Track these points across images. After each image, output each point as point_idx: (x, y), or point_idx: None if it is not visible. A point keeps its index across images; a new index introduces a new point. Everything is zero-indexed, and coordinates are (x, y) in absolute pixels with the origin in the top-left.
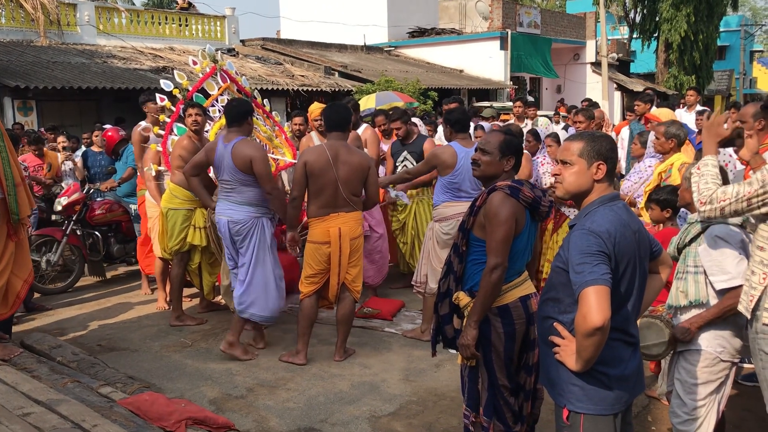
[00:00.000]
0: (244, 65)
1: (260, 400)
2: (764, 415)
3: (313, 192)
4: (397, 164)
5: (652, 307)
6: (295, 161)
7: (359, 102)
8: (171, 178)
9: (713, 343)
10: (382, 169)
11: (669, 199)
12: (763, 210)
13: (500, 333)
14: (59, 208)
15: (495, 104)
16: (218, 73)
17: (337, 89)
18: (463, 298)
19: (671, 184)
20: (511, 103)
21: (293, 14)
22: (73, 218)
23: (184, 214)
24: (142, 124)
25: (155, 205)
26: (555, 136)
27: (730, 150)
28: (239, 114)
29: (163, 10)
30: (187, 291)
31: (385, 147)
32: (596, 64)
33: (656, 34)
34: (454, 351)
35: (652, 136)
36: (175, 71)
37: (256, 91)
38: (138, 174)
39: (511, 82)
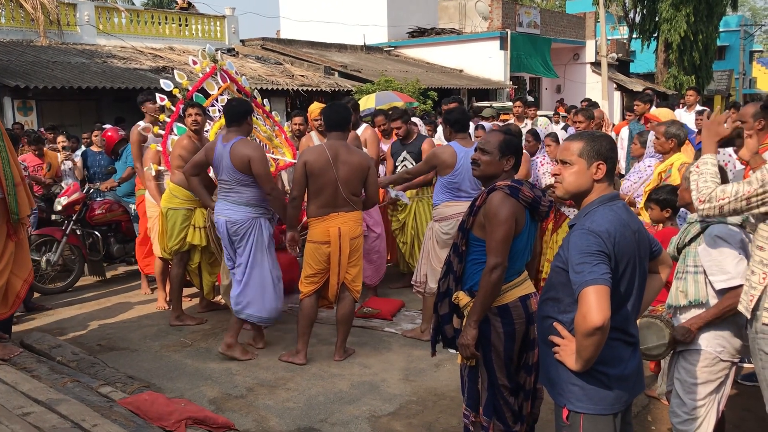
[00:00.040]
0: (244, 65)
1: (260, 400)
2: (764, 414)
3: (313, 192)
4: (396, 164)
5: (652, 306)
6: (295, 161)
7: (359, 102)
8: (171, 178)
9: (713, 343)
10: (381, 169)
11: (669, 199)
12: (762, 209)
13: (500, 333)
14: (59, 207)
15: (495, 104)
16: (218, 73)
17: (336, 89)
18: (462, 297)
19: (671, 184)
20: (510, 103)
21: (293, 14)
22: (73, 218)
23: (183, 213)
24: (141, 124)
25: (155, 205)
26: (554, 136)
27: (729, 150)
28: (238, 114)
29: (162, 10)
30: (186, 291)
31: (385, 147)
32: (596, 64)
33: (656, 34)
34: (453, 351)
35: (651, 136)
36: (175, 71)
37: (255, 90)
38: (136, 174)
39: (511, 82)
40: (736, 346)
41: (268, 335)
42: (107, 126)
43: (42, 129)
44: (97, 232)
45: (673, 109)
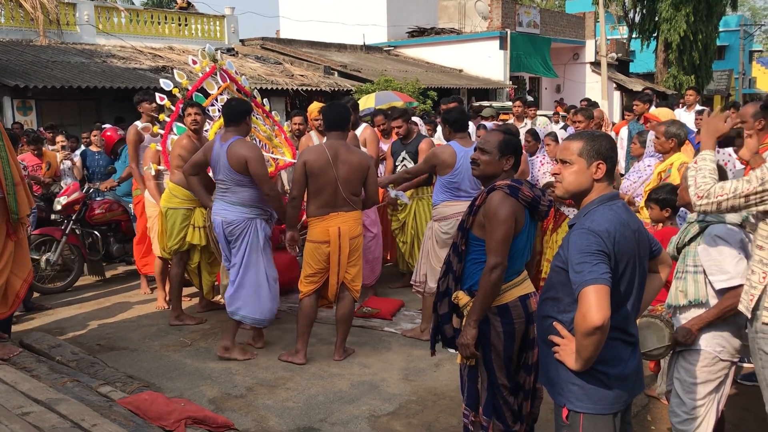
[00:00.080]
0: (244, 65)
1: (260, 400)
2: (763, 414)
3: (313, 191)
4: (396, 164)
5: (652, 306)
6: (295, 161)
7: (358, 102)
8: (170, 178)
9: (712, 343)
10: (381, 169)
11: (668, 199)
12: (761, 207)
13: (500, 332)
14: (59, 207)
15: (494, 104)
16: (218, 73)
17: (336, 89)
18: (462, 297)
19: (671, 184)
20: (510, 103)
21: (293, 14)
22: (73, 218)
23: (183, 213)
24: (139, 124)
25: (154, 205)
26: (553, 135)
27: (729, 150)
28: (237, 114)
29: (162, 9)
30: (186, 290)
31: (385, 147)
32: (595, 64)
33: (655, 34)
34: (453, 350)
35: (651, 136)
36: (174, 71)
37: (255, 90)
38: (132, 175)
39: (511, 82)
40: (736, 345)
41: (268, 335)
42: (107, 126)
43: (41, 129)
44: (96, 232)
45: (673, 109)
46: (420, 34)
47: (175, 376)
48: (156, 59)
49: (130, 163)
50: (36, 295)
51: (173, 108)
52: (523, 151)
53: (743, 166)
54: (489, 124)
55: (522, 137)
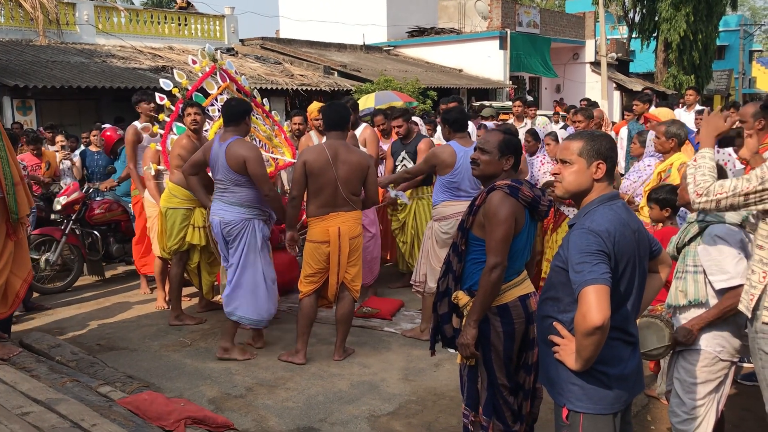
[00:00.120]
0: (244, 65)
1: (259, 400)
2: (763, 414)
3: (313, 191)
4: (396, 163)
5: (652, 306)
6: (294, 161)
7: (358, 101)
8: (170, 178)
9: (712, 343)
10: (381, 169)
11: (668, 199)
12: (760, 207)
13: (499, 332)
14: (58, 207)
15: (494, 104)
16: (218, 73)
17: (336, 89)
18: (462, 297)
19: (671, 183)
20: (510, 103)
21: (292, 14)
22: (72, 217)
23: (183, 213)
24: (138, 124)
25: (154, 205)
26: (554, 135)
27: (729, 150)
28: (236, 113)
29: (162, 9)
30: (186, 290)
31: (384, 146)
32: (595, 64)
33: (655, 34)
34: (453, 350)
35: (651, 136)
36: (174, 70)
37: (255, 90)
38: (130, 175)
39: (511, 82)
40: (736, 345)
41: (267, 335)
42: (106, 125)
43: (41, 128)
44: (96, 232)
45: (673, 109)
46: (420, 33)
47: (175, 376)
48: (156, 59)
49: (128, 164)
50: (36, 295)
51: (173, 108)
52: (522, 151)
53: (743, 166)
54: (490, 124)
55: (522, 137)
